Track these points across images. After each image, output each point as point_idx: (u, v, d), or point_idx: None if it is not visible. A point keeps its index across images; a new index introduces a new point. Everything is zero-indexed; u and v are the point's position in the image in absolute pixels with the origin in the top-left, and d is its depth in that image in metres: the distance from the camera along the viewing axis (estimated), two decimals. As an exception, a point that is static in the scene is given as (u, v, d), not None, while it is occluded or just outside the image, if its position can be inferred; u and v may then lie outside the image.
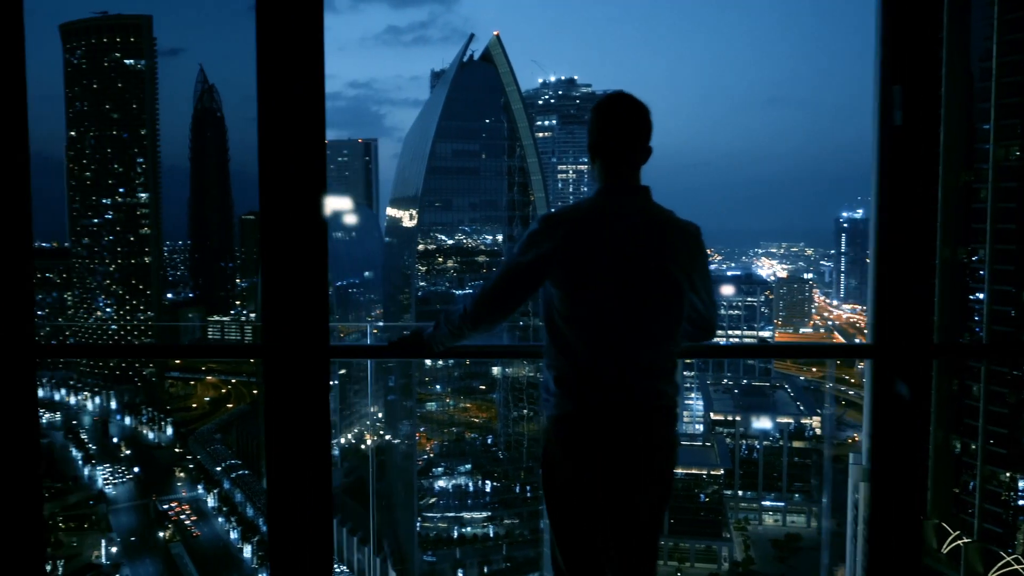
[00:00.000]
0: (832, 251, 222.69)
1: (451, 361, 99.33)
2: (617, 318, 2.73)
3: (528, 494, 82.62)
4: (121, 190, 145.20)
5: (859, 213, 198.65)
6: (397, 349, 3.37)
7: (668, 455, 2.87)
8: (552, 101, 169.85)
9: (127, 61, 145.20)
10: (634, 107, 2.82)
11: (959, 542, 49.90)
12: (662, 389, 2.82)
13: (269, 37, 3.22)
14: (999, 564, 48.69)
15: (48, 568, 72.38)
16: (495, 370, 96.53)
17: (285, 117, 3.45)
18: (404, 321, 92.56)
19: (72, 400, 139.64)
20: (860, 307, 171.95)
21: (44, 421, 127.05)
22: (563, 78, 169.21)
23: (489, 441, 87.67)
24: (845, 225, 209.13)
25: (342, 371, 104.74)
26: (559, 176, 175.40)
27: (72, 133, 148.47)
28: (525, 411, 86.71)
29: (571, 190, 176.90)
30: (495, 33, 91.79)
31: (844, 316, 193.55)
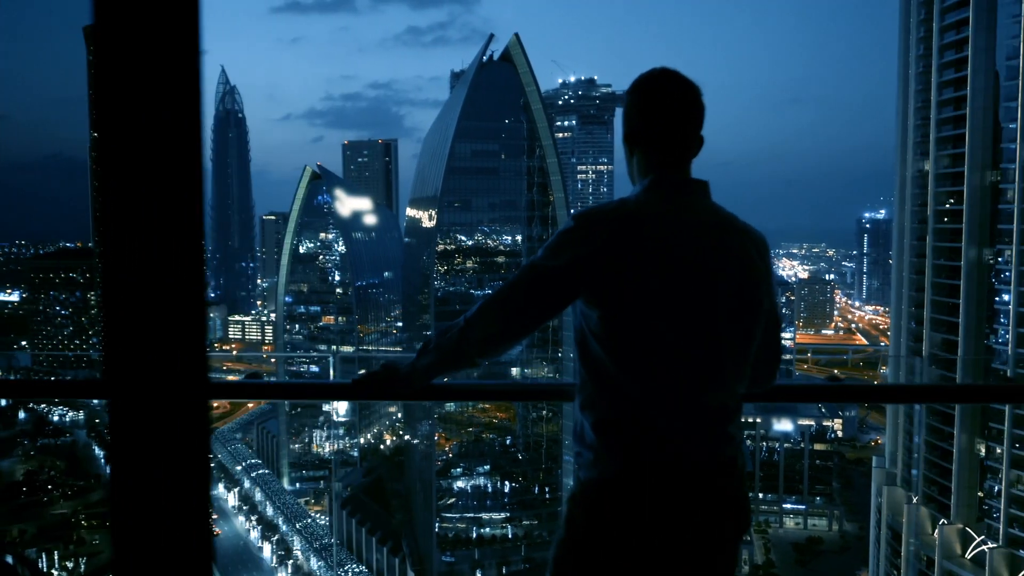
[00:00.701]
0: (854, 252, 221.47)
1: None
2: (680, 347, 2.13)
3: (547, 495, 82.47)
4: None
5: (882, 213, 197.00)
6: (362, 388, 2.63)
7: (740, 524, 2.25)
8: (572, 101, 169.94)
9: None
10: (684, 86, 2.27)
11: (984, 547, 49.17)
12: (732, 440, 2.24)
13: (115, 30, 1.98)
14: (1025, 570, 47.89)
15: (70, 566, 73.24)
16: (514, 371, 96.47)
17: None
18: (423, 321, 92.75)
19: (95, 399, 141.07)
20: (883, 308, 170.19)
21: (67, 419, 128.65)
22: (583, 78, 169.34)
23: (508, 442, 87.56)
24: (867, 225, 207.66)
25: (362, 370, 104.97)
26: (579, 176, 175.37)
27: (95, 134, 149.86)
28: (544, 412, 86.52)
29: (591, 191, 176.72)
30: (515, 33, 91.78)
31: (867, 317, 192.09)
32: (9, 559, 59.66)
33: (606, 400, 2.17)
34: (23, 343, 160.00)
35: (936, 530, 52.52)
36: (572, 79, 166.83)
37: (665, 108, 2.27)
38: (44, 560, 68.75)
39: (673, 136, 2.27)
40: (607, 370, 2.15)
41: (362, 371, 2.72)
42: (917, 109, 56.43)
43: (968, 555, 50.26)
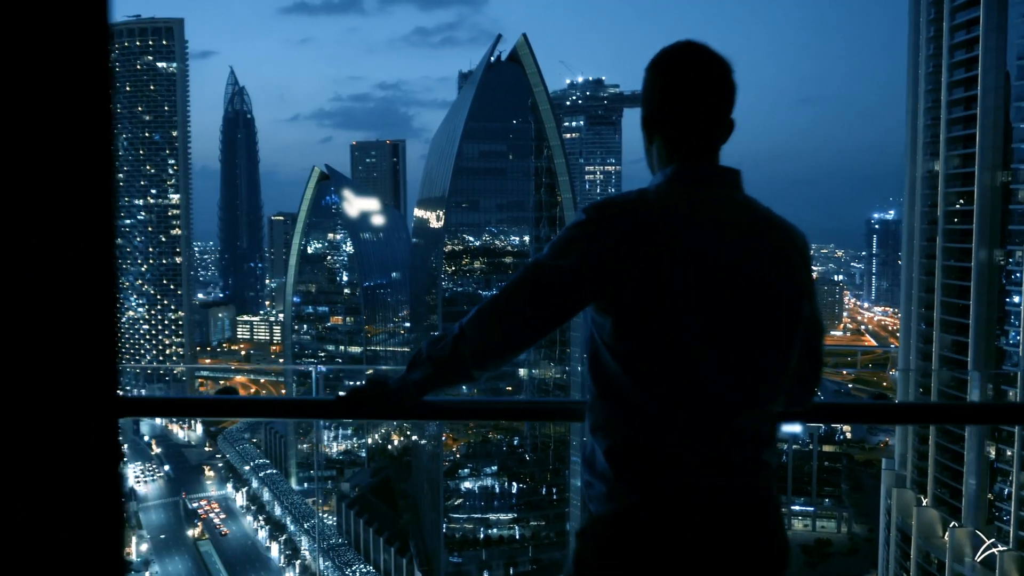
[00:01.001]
0: (863, 252, 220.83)
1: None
2: (708, 361, 1.86)
3: (555, 496, 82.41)
4: (153, 191, 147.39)
5: (891, 214, 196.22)
6: (346, 406, 2.35)
7: (778, 567, 1.97)
8: (580, 102, 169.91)
9: (159, 64, 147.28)
10: (711, 61, 1.96)
11: (994, 550, 48.89)
12: (767, 468, 1.96)
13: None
14: (1036, 573, 47.60)
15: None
16: (521, 371, 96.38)
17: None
18: (431, 322, 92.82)
19: None
20: (892, 309, 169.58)
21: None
22: (591, 79, 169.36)
23: (515, 442, 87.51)
24: (876, 226, 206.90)
25: (369, 371, 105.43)
26: (586, 177, 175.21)
27: None
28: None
29: (598, 191, 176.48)
30: (523, 34, 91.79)
31: (876, 319, 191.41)
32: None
33: (622, 423, 1.91)
34: None
35: (946, 532, 52.26)
36: (580, 80, 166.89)
37: (689, 86, 1.96)
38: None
39: (699, 119, 1.98)
40: (623, 388, 1.88)
41: (358, 381, 2.42)
42: (927, 109, 56.19)
43: (978, 558, 49.98)
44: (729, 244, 1.88)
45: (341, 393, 2.30)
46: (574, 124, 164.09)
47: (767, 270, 1.91)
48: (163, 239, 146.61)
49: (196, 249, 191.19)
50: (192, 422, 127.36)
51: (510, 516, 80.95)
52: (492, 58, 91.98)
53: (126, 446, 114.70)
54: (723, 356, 1.86)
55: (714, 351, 1.86)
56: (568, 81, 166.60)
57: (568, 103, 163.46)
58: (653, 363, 1.86)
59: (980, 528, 50.83)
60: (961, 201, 53.97)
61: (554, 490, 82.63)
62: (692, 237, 1.86)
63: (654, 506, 1.86)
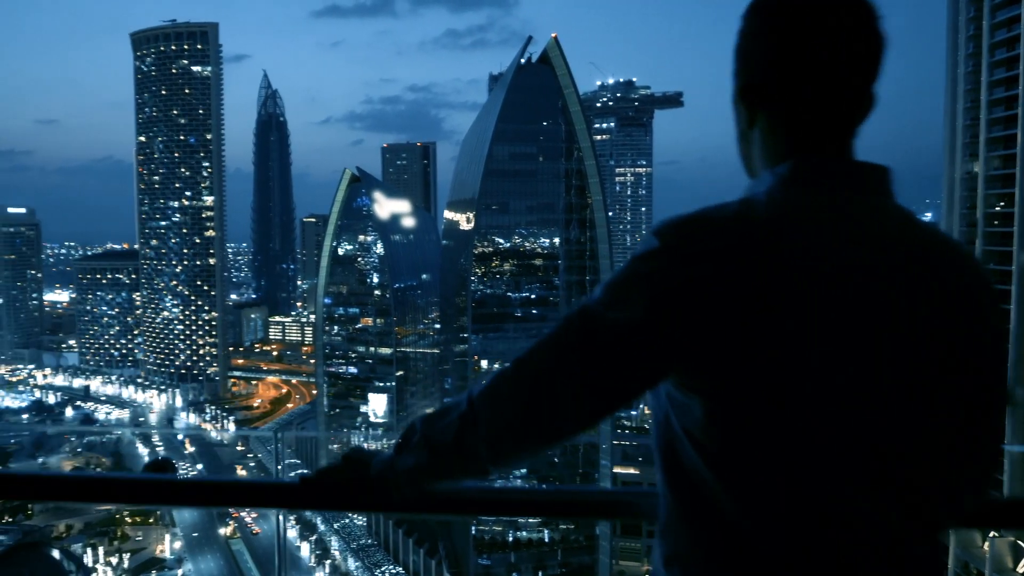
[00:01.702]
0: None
1: (507, 363, 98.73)
2: (857, 465, 1.23)
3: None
4: (188, 193, 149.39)
5: (928, 216, 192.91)
6: (313, 493, 1.73)
7: None
8: (610, 103, 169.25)
9: (194, 68, 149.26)
10: (856, 3, 1.32)
11: (1035, 561, 47.74)
12: None
13: None
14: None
15: (114, 561, 74.58)
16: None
17: None
18: (459, 323, 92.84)
19: (140, 397, 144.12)
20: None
21: (113, 418, 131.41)
22: (621, 80, 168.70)
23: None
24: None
25: (399, 372, 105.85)
26: (617, 179, 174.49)
27: (141, 138, 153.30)
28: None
29: (629, 193, 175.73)
30: (553, 35, 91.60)
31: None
32: (56, 554, 60.96)
33: (717, 557, 1.29)
34: (71, 342, 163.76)
35: (986, 543, 51.17)
36: (611, 81, 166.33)
37: (823, 37, 1.30)
38: (89, 555, 70.12)
39: (835, 88, 1.32)
40: (719, 504, 1.26)
41: (348, 449, 1.72)
42: (966, 109, 55.14)
43: (1021, 568, 48.85)
44: (881, 281, 1.24)
45: (307, 472, 1.71)
46: (605, 126, 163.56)
47: (946, 322, 1.26)
48: (197, 240, 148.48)
49: (229, 250, 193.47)
50: (225, 420, 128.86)
51: (539, 519, 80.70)
52: (522, 60, 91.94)
53: (160, 443, 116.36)
54: (879, 458, 1.23)
55: (865, 450, 1.22)
56: (599, 82, 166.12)
57: (599, 104, 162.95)
58: (769, 468, 1.23)
59: (1022, 539, 49.68)
60: (1002, 203, 52.85)
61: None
62: (829, 272, 1.22)
63: None
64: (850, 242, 1.24)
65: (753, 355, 1.20)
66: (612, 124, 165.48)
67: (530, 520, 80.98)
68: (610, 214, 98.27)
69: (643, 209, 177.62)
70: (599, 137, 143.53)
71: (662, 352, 1.26)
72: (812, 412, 1.20)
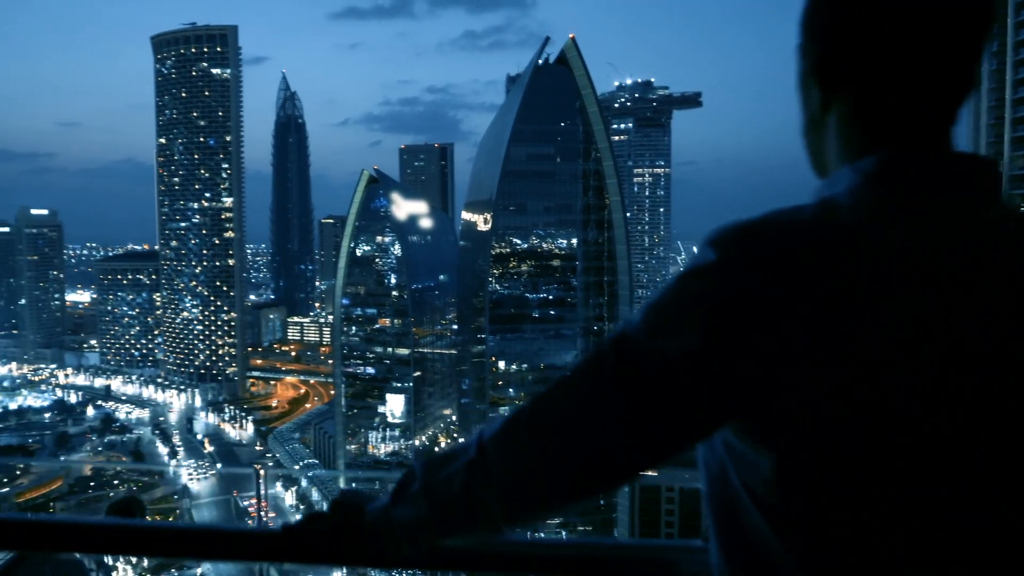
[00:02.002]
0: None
1: (525, 365, 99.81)
2: (967, 533, 0.98)
3: (602, 501, 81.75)
4: (207, 195, 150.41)
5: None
6: (297, 543, 1.47)
7: None
8: (628, 104, 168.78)
9: (214, 70, 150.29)
10: None
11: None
12: None
13: None
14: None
15: (134, 560, 75.18)
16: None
17: None
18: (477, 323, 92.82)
19: (160, 397, 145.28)
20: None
21: (133, 418, 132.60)
22: (639, 81, 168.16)
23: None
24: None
25: (417, 372, 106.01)
26: (635, 180, 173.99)
27: (162, 140, 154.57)
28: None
29: (647, 194, 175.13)
30: (571, 36, 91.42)
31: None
32: (76, 553, 61.35)
33: None
34: (92, 342, 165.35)
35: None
36: (629, 81, 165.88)
37: (918, 3, 1.02)
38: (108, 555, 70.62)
39: (931, 66, 1.04)
40: (784, 574, 1.03)
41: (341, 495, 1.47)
42: (990, 108, 54.63)
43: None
44: (1001, 305, 0.98)
45: (294, 521, 1.48)
46: (622, 126, 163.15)
47: None
48: (217, 242, 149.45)
49: (248, 251, 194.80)
50: (244, 420, 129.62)
51: (556, 521, 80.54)
52: (540, 61, 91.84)
53: (179, 443, 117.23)
54: (991, 517, 0.98)
55: (969, 517, 0.97)
56: (617, 83, 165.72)
57: (616, 105, 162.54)
58: (854, 539, 0.98)
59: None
60: (1026, 203, 52.42)
61: (601, 496, 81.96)
62: (932, 293, 0.97)
63: None
64: (955, 254, 0.98)
65: (840, 397, 0.95)
66: (630, 125, 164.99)
67: (548, 522, 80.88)
68: (628, 215, 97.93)
69: (661, 210, 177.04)
70: (617, 138, 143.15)
71: (722, 391, 1.01)
72: (911, 470, 0.96)
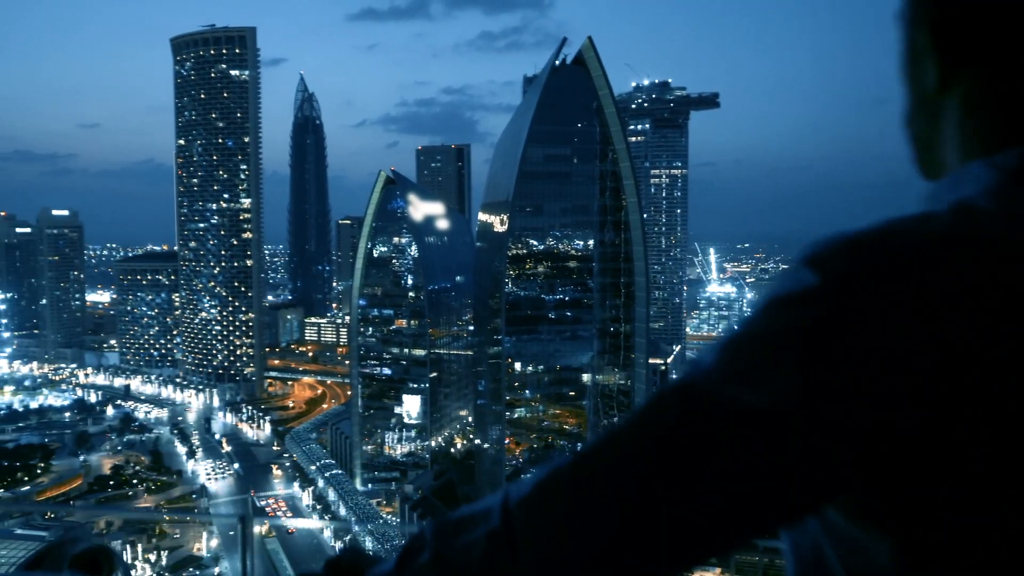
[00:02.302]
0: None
1: (541, 366, 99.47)
2: None
3: None
4: (226, 196, 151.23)
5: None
6: None
7: None
8: (645, 105, 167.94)
9: (232, 72, 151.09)
10: None
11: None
12: None
13: None
14: None
15: (152, 558, 75.47)
16: (585, 377, 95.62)
17: None
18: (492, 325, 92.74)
19: (178, 397, 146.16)
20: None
21: (152, 418, 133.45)
22: (656, 81, 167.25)
23: (579, 448, 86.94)
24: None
25: (433, 373, 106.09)
26: (652, 181, 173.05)
27: (181, 141, 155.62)
28: (616, 419, 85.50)
29: (664, 195, 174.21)
30: (588, 37, 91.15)
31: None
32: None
33: None
34: (111, 342, 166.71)
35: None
36: (646, 82, 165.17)
37: None
38: (128, 552, 71.13)
39: None
40: None
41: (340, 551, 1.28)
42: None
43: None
44: None
45: None
46: (639, 127, 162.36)
47: None
48: (235, 242, 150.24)
49: (266, 252, 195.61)
50: (262, 421, 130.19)
51: None
52: (557, 61, 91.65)
53: (198, 443, 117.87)
54: None
55: None
56: (634, 84, 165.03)
57: (634, 106, 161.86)
58: None
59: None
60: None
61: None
62: None
63: None
64: None
65: (995, 468, 0.70)
66: (647, 125, 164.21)
67: None
68: (645, 216, 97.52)
69: (678, 211, 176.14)
70: (634, 138, 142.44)
71: (826, 459, 0.74)
72: None
